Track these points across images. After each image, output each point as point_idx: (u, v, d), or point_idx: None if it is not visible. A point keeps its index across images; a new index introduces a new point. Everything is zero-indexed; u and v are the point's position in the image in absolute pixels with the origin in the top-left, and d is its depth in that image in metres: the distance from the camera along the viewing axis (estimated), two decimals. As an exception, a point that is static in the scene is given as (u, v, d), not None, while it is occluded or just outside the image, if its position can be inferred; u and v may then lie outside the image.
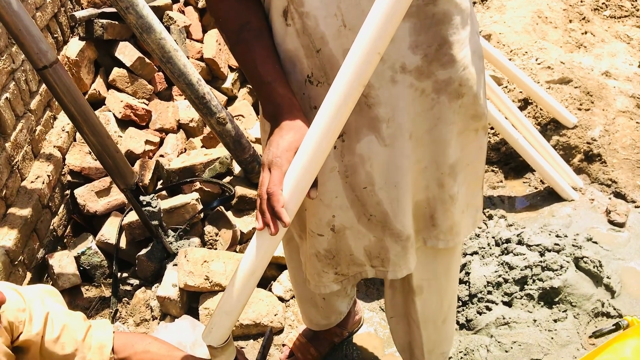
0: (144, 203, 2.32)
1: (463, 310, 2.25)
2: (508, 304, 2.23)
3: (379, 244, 1.41)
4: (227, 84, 3.52)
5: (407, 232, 1.39)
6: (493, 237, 2.46)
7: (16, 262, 2.30)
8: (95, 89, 3.01)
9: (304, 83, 1.23)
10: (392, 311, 1.76)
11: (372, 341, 2.21)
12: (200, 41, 3.57)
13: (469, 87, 1.27)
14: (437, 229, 1.44)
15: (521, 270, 2.25)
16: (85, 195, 2.70)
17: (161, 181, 2.89)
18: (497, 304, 2.22)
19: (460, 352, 2.09)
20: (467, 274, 2.31)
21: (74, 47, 2.97)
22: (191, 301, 2.37)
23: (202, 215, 2.63)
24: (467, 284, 2.28)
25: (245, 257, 1.18)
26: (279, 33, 1.21)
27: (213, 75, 3.51)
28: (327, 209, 1.36)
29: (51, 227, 2.64)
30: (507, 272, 2.27)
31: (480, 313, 2.22)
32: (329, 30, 1.15)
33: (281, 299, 2.38)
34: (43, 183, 2.57)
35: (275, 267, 2.47)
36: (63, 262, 2.47)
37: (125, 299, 2.46)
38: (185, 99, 3.33)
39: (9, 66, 2.46)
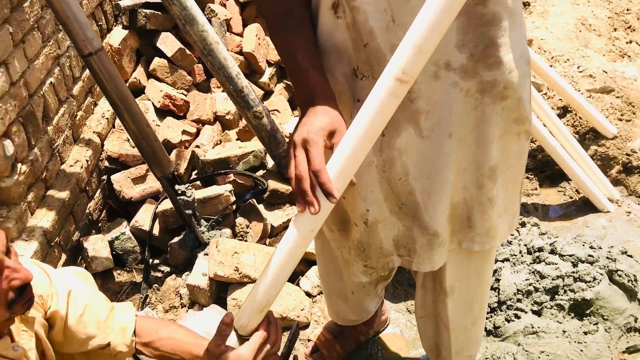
0: (179, 192, 2.36)
1: (491, 316, 2.23)
2: (537, 313, 2.20)
3: (407, 233, 1.42)
4: (265, 79, 3.54)
5: (435, 228, 1.39)
6: (525, 245, 2.43)
7: (52, 244, 2.36)
8: (135, 78, 3.06)
9: (350, 76, 1.24)
10: (422, 311, 1.76)
11: (397, 342, 2.21)
12: (240, 35, 3.60)
13: (513, 90, 1.26)
14: (474, 231, 1.44)
15: (552, 280, 2.22)
16: (121, 182, 2.75)
17: (196, 171, 2.93)
18: (526, 312, 2.19)
19: (486, 358, 2.07)
20: (497, 280, 2.29)
21: (117, 35, 3.03)
22: (220, 291, 2.40)
23: (234, 207, 2.66)
24: (497, 290, 2.26)
25: (284, 242, 1.17)
26: (328, 25, 1.22)
27: (251, 69, 3.54)
28: (362, 202, 1.37)
29: (87, 210, 2.70)
30: (538, 280, 2.24)
31: (508, 320, 2.20)
32: (378, 25, 1.15)
33: (308, 295, 2.39)
34: (81, 167, 2.62)
35: (304, 263, 2.48)
36: (97, 245, 2.53)
37: (156, 285, 2.50)
38: (222, 91, 3.37)
39: (55, 52, 2.52)
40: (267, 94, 3.60)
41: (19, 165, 2.23)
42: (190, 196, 2.38)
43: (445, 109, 1.23)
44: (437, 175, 1.31)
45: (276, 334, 1.38)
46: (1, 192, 2.17)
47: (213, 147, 3.04)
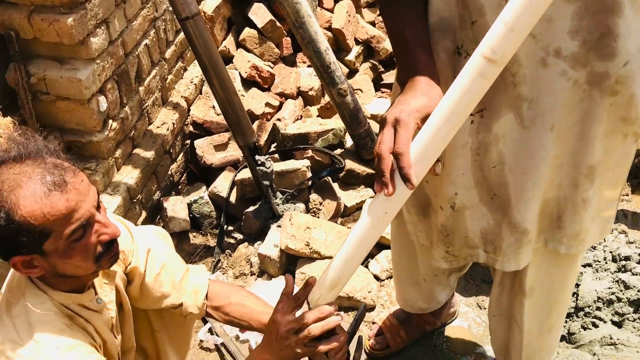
0: (259, 162, 2.38)
1: (566, 322, 2.13)
2: (618, 324, 2.08)
3: (496, 229, 1.36)
4: (351, 57, 3.50)
5: (524, 225, 1.32)
6: (610, 252, 2.30)
7: (134, 200, 2.45)
8: (225, 47, 3.10)
9: (453, 54, 1.19)
10: (495, 310, 1.70)
11: (464, 336, 2.16)
12: (331, 10, 3.57)
13: (625, 86, 1.17)
14: (562, 232, 1.36)
15: (638, 291, 2.09)
16: (204, 147, 2.81)
17: (275, 144, 2.95)
18: (605, 321, 2.08)
19: (558, 365, 1.99)
20: (577, 285, 2.18)
21: (211, 2, 3.07)
22: (289, 263, 2.42)
23: (310, 182, 2.66)
24: (576, 295, 2.15)
25: (359, 222, 1.16)
26: (437, 1, 1.17)
27: (338, 46, 3.51)
28: (451, 185, 1.33)
29: (169, 172, 2.77)
30: (621, 290, 2.11)
31: (585, 328, 2.10)
32: (489, 2, 1.10)
33: (377, 278, 2.37)
34: (167, 130, 2.69)
35: (375, 245, 2.44)
36: (176, 206, 2.60)
37: (228, 251, 2.55)
38: (308, 66, 3.37)
39: (152, 14, 2.58)
40: (352, 72, 3.56)
41: (110, 121, 2.31)
42: (269, 168, 2.40)
43: (549, 99, 1.16)
44: (533, 170, 1.24)
45: (319, 330, 1.34)
46: (92, 146, 2.27)
47: (294, 122, 3.05)
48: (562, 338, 2.10)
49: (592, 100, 1.18)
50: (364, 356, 2.11)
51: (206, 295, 1.61)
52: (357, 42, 3.62)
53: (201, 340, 2.20)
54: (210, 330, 2.19)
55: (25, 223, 1.10)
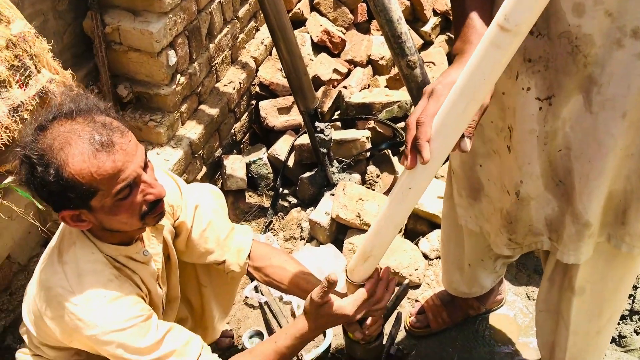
0: (318, 129, 2.37)
1: (619, 324, 2.04)
2: (674, 334, 1.97)
3: (560, 217, 1.30)
4: (427, 28, 3.40)
5: (587, 217, 1.25)
6: (678, 257, 2.16)
7: (196, 155, 2.51)
8: (299, 9, 3.08)
9: None
10: (543, 305, 1.64)
11: (509, 325, 2.11)
12: (410, -21, 3.47)
13: None
14: (625, 229, 1.28)
15: (703, 302, 1.97)
16: (268, 109, 2.83)
17: (338, 112, 2.93)
18: (661, 329, 1.98)
19: (603, 367, 1.91)
20: (635, 288, 2.07)
21: (289, -36, 3.05)
22: (339, 232, 2.43)
23: (368, 154, 2.64)
24: (632, 298, 2.05)
25: (389, 197, 1.15)
26: None
27: (415, 16, 3.42)
28: (518, 171, 1.28)
29: (232, 131, 2.82)
30: (683, 299, 2.00)
31: (637, 333, 2.00)
32: None
33: (425, 256, 2.34)
34: (234, 89, 2.73)
35: (427, 224, 2.42)
36: (235, 165, 2.65)
37: (281, 213, 2.58)
38: (381, 34, 3.30)
39: (228, -28, 2.59)
40: (427, 44, 3.46)
41: (178, 76, 2.36)
42: (328, 135, 2.39)
43: (623, 83, 1.07)
44: (599, 159, 1.17)
45: (383, 292, 1.37)
46: (159, 99, 2.33)
47: (360, 91, 3.01)
48: (612, 340, 2.01)
49: None
50: (403, 333, 2.11)
51: (249, 255, 1.64)
52: (435, 13, 3.51)
53: (246, 297, 2.26)
54: (256, 289, 2.24)
55: (73, 180, 1.15)
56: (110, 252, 1.34)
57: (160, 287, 1.53)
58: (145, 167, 1.25)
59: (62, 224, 1.37)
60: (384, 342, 1.87)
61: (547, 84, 1.14)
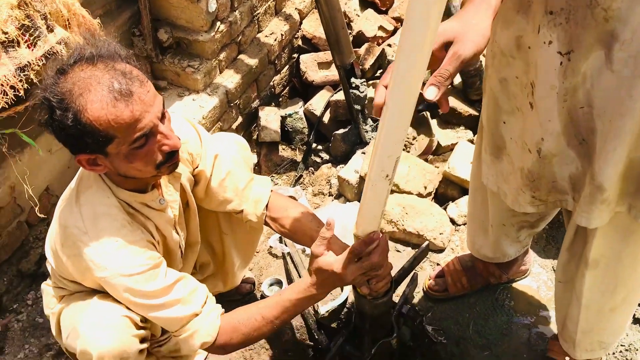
0: (353, 85, 2.35)
1: (643, 306, 1.97)
2: None
3: (582, 178, 1.26)
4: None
5: (600, 180, 1.21)
6: None
7: (232, 104, 2.53)
8: (348, -37, 3.02)
9: None
10: (562, 276, 1.60)
11: (531, 297, 2.06)
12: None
13: None
14: None
15: None
16: (308, 63, 2.81)
17: (381, 70, 2.88)
18: (689, 314, 1.90)
19: (622, 345, 1.86)
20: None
21: None
22: (367, 192, 2.41)
23: (405, 114, 2.59)
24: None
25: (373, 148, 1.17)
26: None
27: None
28: (539, 128, 1.25)
29: (271, 83, 2.82)
30: None
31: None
32: None
33: (453, 222, 2.30)
34: (275, 40, 2.72)
35: (458, 189, 2.38)
36: (270, 117, 2.66)
37: (312, 168, 2.59)
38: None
39: None
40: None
41: (218, 23, 2.37)
42: (363, 92, 2.36)
43: None
44: (617, 119, 1.11)
45: (379, 259, 1.36)
46: (197, 45, 2.35)
47: (405, 50, 2.95)
48: (636, 321, 1.95)
49: None
50: (421, 295, 2.10)
51: (267, 206, 1.66)
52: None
53: (270, 247, 2.30)
54: (280, 239, 2.28)
55: (90, 126, 1.18)
56: (125, 198, 1.38)
57: (178, 233, 1.57)
58: (162, 117, 1.27)
59: (80, 169, 1.41)
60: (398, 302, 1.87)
61: (568, 37, 1.08)
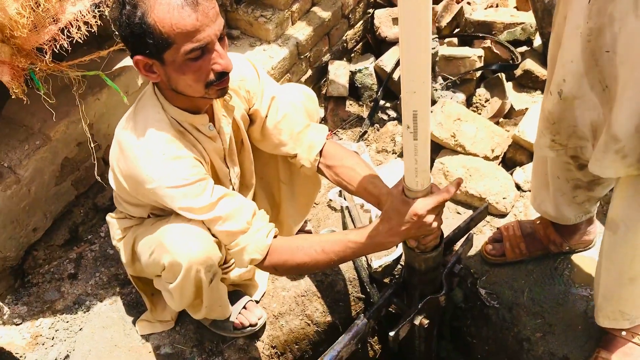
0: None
1: None
2: None
3: (602, 126, 1.24)
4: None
5: (614, 130, 1.18)
6: None
7: (302, 57, 2.54)
8: None
9: None
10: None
11: (592, 269, 1.97)
12: None
13: None
14: None
15: None
16: (382, 19, 2.77)
17: (458, 29, 2.80)
18: None
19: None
20: None
21: None
22: (432, 151, 2.37)
23: (478, 74, 2.51)
24: None
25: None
26: None
27: None
28: (561, 69, 1.23)
29: (344, 37, 2.80)
30: None
31: None
32: None
33: (518, 187, 2.24)
34: (350, -6, 2.69)
35: (527, 155, 2.30)
36: (339, 71, 2.65)
37: (377, 125, 2.57)
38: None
39: None
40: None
41: (292, -26, 2.37)
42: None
43: None
44: (637, 67, 1.09)
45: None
46: (270, -4, 2.37)
47: (485, 9, 2.84)
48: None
49: None
50: (478, 258, 2.07)
51: (320, 153, 1.67)
52: None
53: (330, 199, 2.33)
54: (340, 193, 2.30)
55: (154, 26, 1.22)
56: (176, 116, 1.42)
57: (227, 167, 1.61)
58: (221, 39, 1.30)
59: (142, 92, 1.48)
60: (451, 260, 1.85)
61: None
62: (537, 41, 2.64)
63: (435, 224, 1.38)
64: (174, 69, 1.29)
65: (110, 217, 1.75)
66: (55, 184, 2.04)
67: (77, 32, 1.41)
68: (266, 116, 1.60)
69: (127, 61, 2.13)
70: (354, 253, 1.44)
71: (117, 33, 1.29)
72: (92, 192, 2.23)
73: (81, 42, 1.49)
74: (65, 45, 1.49)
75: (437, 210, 1.35)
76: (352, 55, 2.90)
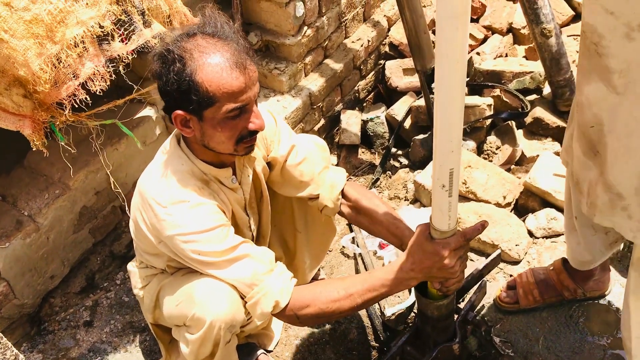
0: (434, 90, 2.34)
1: None
2: None
3: (594, 187, 1.29)
4: (580, -1, 3.16)
5: (618, 189, 1.23)
6: None
7: (315, 107, 2.61)
8: (440, -29, 3.01)
9: None
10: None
11: (608, 317, 1.96)
12: (569, -56, 3.22)
13: None
14: None
15: None
16: (393, 69, 2.84)
17: (468, 78, 2.86)
18: None
19: None
20: None
21: None
22: (444, 198, 2.40)
23: (488, 122, 2.55)
24: None
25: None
26: None
27: (568, -16, 3.18)
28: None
29: (356, 88, 2.87)
30: None
31: None
32: None
33: (530, 234, 2.24)
34: (361, 46, 2.77)
35: (539, 201, 2.30)
36: (351, 120, 2.71)
37: (389, 172, 2.61)
38: (525, 2, 3.12)
39: None
40: (578, 16, 3.21)
41: (305, 28, 2.46)
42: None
43: None
44: (624, 138, 1.16)
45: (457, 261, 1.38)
46: (284, 48, 2.45)
47: (494, 58, 2.90)
48: None
49: None
50: (492, 306, 2.06)
51: (342, 193, 1.70)
52: (592, -18, 3.23)
53: (343, 246, 2.34)
54: (353, 240, 2.31)
55: (201, 85, 1.28)
56: (201, 167, 1.46)
57: (248, 215, 1.64)
58: (255, 100, 1.37)
59: (165, 141, 1.53)
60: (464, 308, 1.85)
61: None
62: (547, 89, 2.67)
63: (457, 267, 1.38)
64: (211, 126, 1.35)
65: (132, 267, 1.78)
66: (73, 232, 2.08)
67: (97, 85, 1.48)
68: (285, 160, 1.64)
69: (146, 112, 2.21)
70: (380, 293, 1.41)
71: (159, 87, 1.35)
72: (109, 240, 2.27)
73: (101, 94, 1.55)
74: (85, 99, 1.56)
75: (461, 252, 1.37)
76: (364, 104, 2.97)
